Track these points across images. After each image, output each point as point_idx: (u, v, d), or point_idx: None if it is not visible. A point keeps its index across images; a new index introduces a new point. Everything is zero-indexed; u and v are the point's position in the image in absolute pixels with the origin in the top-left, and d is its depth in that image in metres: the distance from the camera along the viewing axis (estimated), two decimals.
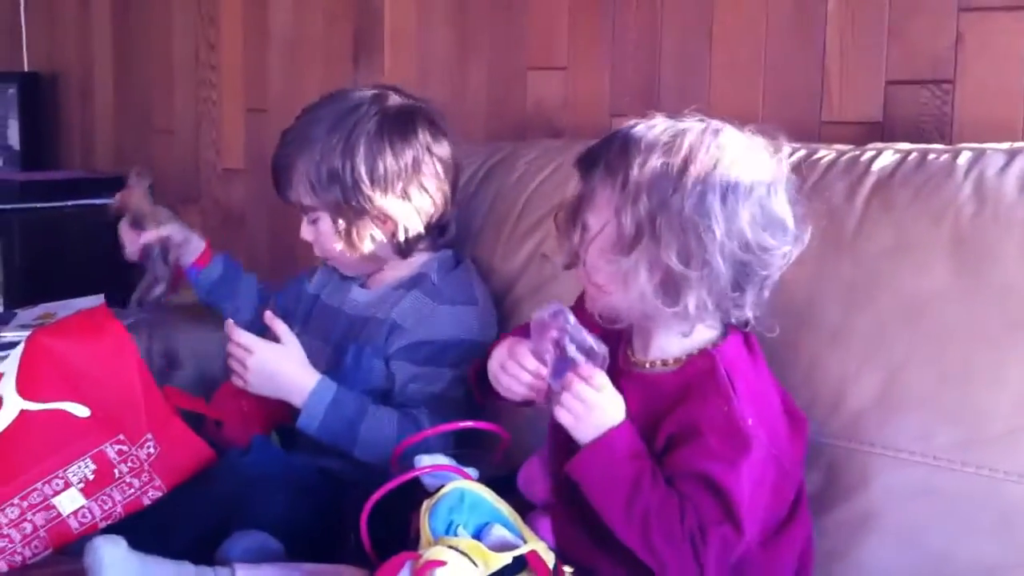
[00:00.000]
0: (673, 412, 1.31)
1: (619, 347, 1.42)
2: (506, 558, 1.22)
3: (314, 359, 1.79)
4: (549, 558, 1.26)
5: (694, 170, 1.28)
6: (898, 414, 1.41)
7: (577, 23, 2.19)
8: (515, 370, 1.40)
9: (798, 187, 1.37)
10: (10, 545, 1.51)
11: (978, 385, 1.37)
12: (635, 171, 1.29)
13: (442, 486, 1.31)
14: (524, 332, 1.40)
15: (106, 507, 1.56)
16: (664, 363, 1.37)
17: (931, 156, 1.52)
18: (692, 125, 1.34)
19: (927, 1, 1.71)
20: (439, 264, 1.85)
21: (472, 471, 1.39)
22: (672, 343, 1.37)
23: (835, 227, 1.49)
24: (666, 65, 2.05)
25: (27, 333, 1.69)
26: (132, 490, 1.58)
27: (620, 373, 1.37)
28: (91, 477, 1.55)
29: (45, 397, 1.56)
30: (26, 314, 2.21)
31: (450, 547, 1.21)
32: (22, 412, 1.56)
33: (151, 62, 3.18)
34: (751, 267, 1.30)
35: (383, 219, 1.79)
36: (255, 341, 1.74)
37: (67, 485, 1.54)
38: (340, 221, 1.79)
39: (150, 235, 2.01)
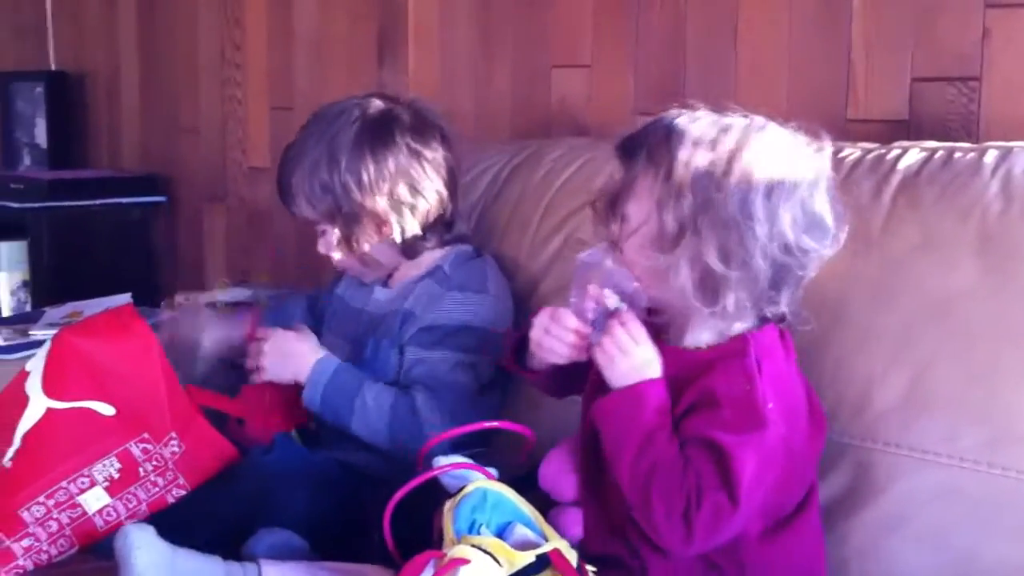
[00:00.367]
0: (696, 382, 1.31)
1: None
2: (529, 556, 1.22)
3: (338, 356, 1.83)
4: (572, 556, 1.26)
5: (738, 169, 1.28)
6: (924, 414, 1.40)
7: (601, 21, 2.18)
8: (558, 331, 1.39)
9: (837, 185, 1.36)
10: (36, 543, 1.52)
11: (1005, 385, 1.36)
12: (679, 166, 1.29)
13: (463, 486, 1.31)
14: None
15: (131, 505, 1.57)
16: (697, 348, 1.37)
17: (957, 154, 1.50)
18: (736, 121, 1.33)
19: None
20: (455, 256, 1.86)
21: (493, 470, 1.39)
22: (706, 334, 1.36)
23: (862, 226, 1.48)
24: (691, 62, 2.04)
25: (55, 331, 1.71)
26: (156, 488, 1.59)
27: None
28: (116, 476, 1.56)
29: (71, 396, 1.58)
30: (54, 312, 2.23)
31: (474, 546, 1.21)
32: (48, 411, 1.57)
33: (177, 61, 3.19)
34: (790, 268, 1.30)
35: (378, 223, 1.81)
36: (271, 329, 1.82)
37: (92, 483, 1.55)
38: (337, 230, 1.82)
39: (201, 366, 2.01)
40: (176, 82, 3.20)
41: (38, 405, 1.57)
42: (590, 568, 1.28)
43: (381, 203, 1.79)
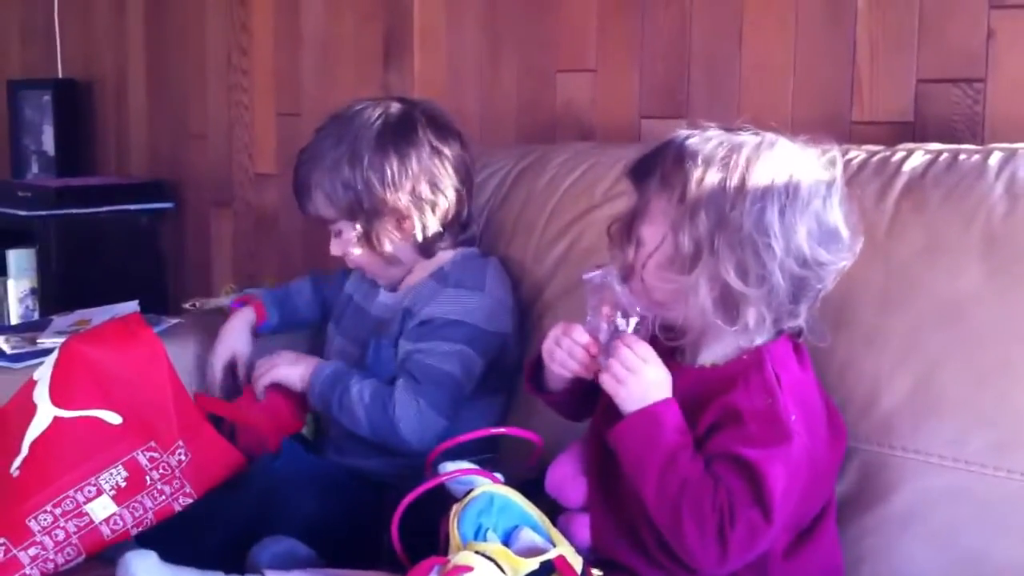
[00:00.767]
0: (716, 400, 1.31)
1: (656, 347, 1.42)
2: (533, 563, 1.22)
3: (345, 359, 1.87)
4: (577, 562, 1.26)
5: (751, 186, 1.28)
6: (931, 417, 1.40)
7: (606, 24, 2.18)
8: (569, 344, 1.39)
9: (850, 197, 1.37)
10: (43, 552, 1.52)
11: (1012, 388, 1.35)
12: (692, 186, 1.29)
13: (470, 491, 1.31)
14: None
15: (137, 514, 1.58)
16: (714, 364, 1.37)
17: (962, 156, 1.50)
18: (747, 139, 1.33)
19: None
20: (461, 257, 1.87)
21: (500, 475, 1.39)
22: (723, 350, 1.37)
23: (867, 228, 1.46)
24: (696, 66, 2.04)
25: (63, 339, 1.71)
26: (163, 497, 1.59)
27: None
28: (123, 484, 1.57)
29: (78, 405, 1.58)
30: (62, 320, 2.22)
31: (478, 552, 1.21)
32: (56, 419, 1.57)
33: (184, 68, 3.20)
34: (808, 281, 1.31)
35: (399, 219, 1.82)
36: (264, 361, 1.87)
37: (99, 492, 1.56)
38: (358, 226, 1.82)
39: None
40: (183, 88, 3.21)
41: (46, 414, 1.58)
42: (597, 573, 1.28)
43: (403, 200, 1.80)
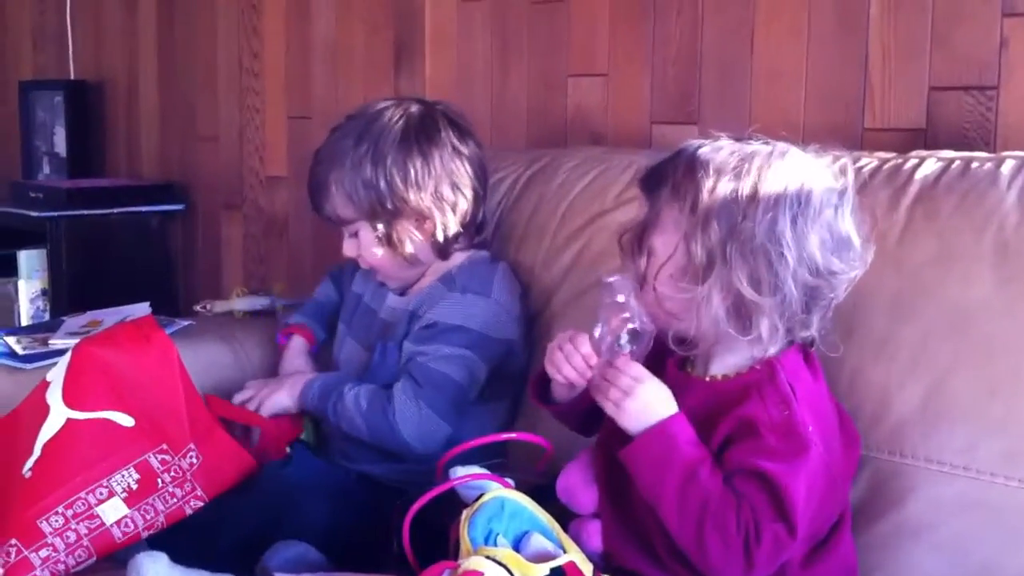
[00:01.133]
0: (730, 412, 1.31)
1: (666, 358, 1.42)
2: (544, 569, 1.22)
3: (354, 361, 1.89)
4: (587, 568, 1.26)
5: (763, 195, 1.28)
6: (942, 426, 1.40)
7: (618, 29, 2.18)
8: (569, 350, 1.39)
9: (862, 206, 1.37)
10: (54, 554, 1.52)
11: (1023, 398, 1.35)
12: (704, 195, 1.29)
13: (480, 495, 1.31)
14: None
15: (148, 517, 1.58)
16: (725, 376, 1.37)
17: (974, 164, 1.50)
18: (759, 148, 1.33)
19: (970, 6, 1.69)
20: (469, 262, 1.87)
21: (510, 480, 1.39)
22: (735, 360, 1.37)
23: (878, 236, 1.47)
24: (707, 71, 2.04)
25: (74, 341, 1.72)
26: (174, 500, 1.59)
27: (672, 382, 1.37)
28: (134, 487, 1.57)
29: (91, 406, 1.58)
30: (73, 321, 2.23)
31: (488, 557, 1.21)
32: (68, 421, 1.58)
33: (195, 70, 3.20)
34: (821, 291, 1.31)
35: (420, 219, 1.82)
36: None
37: (111, 494, 1.56)
38: (379, 226, 1.82)
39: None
40: (194, 91, 3.21)
41: (58, 415, 1.58)
42: None
43: (426, 200, 1.80)
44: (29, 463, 1.56)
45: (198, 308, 2.32)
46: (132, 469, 1.57)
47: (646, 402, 1.32)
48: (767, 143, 1.35)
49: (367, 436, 1.75)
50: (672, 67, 2.09)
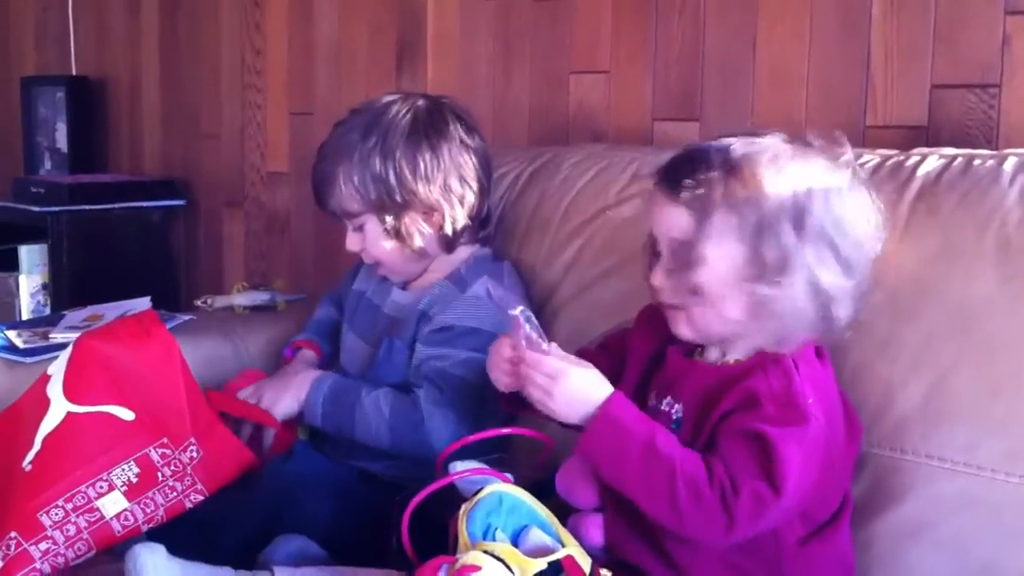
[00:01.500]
0: (733, 388, 1.31)
1: (666, 347, 1.42)
2: (542, 563, 1.22)
3: (356, 357, 1.88)
4: (586, 563, 1.26)
5: (814, 187, 1.30)
6: (944, 423, 1.40)
7: (620, 27, 2.18)
8: (497, 359, 1.41)
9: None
10: (54, 547, 1.52)
11: None
12: (759, 196, 1.29)
13: (479, 490, 1.31)
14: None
15: (148, 510, 1.58)
16: (737, 360, 1.37)
17: (976, 161, 1.50)
18: (773, 142, 1.34)
19: (973, 4, 1.69)
20: (475, 260, 1.87)
21: (509, 475, 1.39)
22: (750, 345, 1.36)
23: None
24: (710, 69, 2.04)
25: (75, 335, 1.72)
26: (174, 494, 1.59)
27: (676, 369, 1.37)
28: (134, 480, 1.57)
29: (91, 400, 1.58)
30: (74, 316, 2.23)
31: (486, 552, 1.21)
32: (68, 415, 1.58)
33: (198, 67, 3.21)
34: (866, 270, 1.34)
35: (429, 212, 1.81)
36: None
37: (111, 488, 1.56)
38: (388, 219, 1.81)
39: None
40: (197, 87, 3.22)
41: (59, 408, 1.58)
42: (605, 574, 1.28)
43: (435, 193, 1.80)
44: (29, 456, 1.56)
45: (199, 303, 2.32)
46: (132, 463, 1.57)
47: (575, 389, 1.32)
48: (770, 133, 1.36)
49: (388, 443, 1.74)
50: (674, 65, 2.09)
